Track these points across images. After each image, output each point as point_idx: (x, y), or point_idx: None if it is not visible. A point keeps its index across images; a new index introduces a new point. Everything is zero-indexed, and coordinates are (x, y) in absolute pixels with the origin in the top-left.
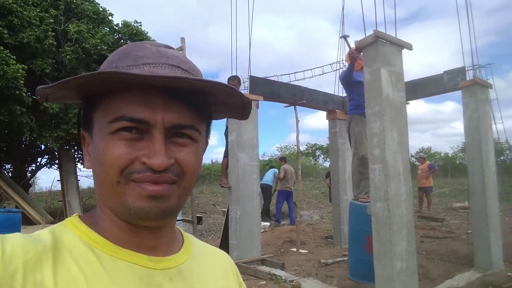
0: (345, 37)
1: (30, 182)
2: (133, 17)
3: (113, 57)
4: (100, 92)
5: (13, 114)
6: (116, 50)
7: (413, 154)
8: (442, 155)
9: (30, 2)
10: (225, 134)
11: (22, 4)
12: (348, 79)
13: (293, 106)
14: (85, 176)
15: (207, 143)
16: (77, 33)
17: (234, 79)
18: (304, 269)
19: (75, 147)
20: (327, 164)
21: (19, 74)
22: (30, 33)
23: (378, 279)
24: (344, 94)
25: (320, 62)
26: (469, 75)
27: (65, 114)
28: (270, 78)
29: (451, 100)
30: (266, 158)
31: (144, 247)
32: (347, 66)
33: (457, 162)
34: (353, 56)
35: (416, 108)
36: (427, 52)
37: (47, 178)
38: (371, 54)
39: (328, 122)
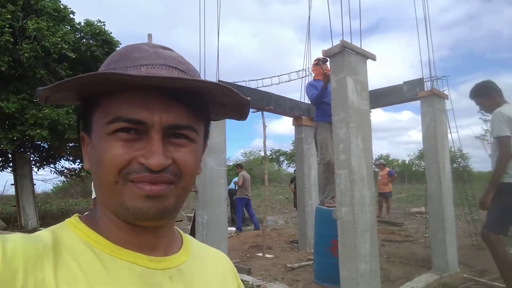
0: (324, 60)
1: None
2: (96, 16)
3: (111, 59)
4: (98, 93)
5: None
6: (114, 52)
7: (373, 161)
8: (399, 162)
9: None
10: None
11: None
12: (319, 100)
13: (260, 112)
14: (41, 180)
15: (205, 143)
16: (36, 31)
17: None
18: (270, 273)
19: (31, 150)
20: (290, 169)
21: None
22: None
23: (343, 281)
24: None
25: (284, 69)
26: (427, 86)
27: (22, 114)
28: (238, 83)
29: (407, 110)
30: (231, 163)
31: (144, 247)
32: (314, 79)
33: (413, 169)
34: (327, 79)
35: (375, 116)
36: (385, 63)
37: None
38: (338, 63)
39: (294, 128)
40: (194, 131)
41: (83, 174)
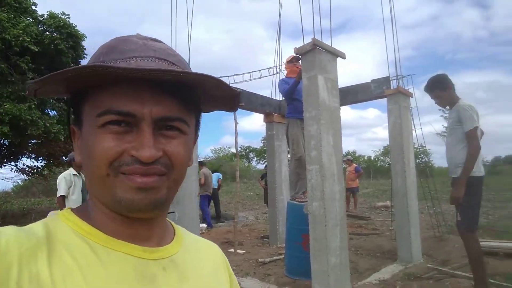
0: (297, 58)
1: None
2: (61, 8)
3: (100, 51)
4: (88, 86)
5: None
6: (103, 44)
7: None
8: (365, 158)
9: None
10: None
11: None
12: (291, 94)
13: None
14: (0, 179)
15: (197, 135)
16: None
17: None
18: (242, 269)
19: None
20: (260, 166)
21: None
22: None
23: (314, 274)
24: (281, 98)
25: (256, 66)
26: (393, 84)
27: None
28: None
29: (373, 107)
30: (201, 160)
31: (137, 238)
32: (286, 76)
33: (379, 164)
34: (300, 75)
35: (343, 113)
36: (352, 62)
37: None
38: (309, 61)
39: (265, 124)
40: (185, 123)
41: (45, 172)
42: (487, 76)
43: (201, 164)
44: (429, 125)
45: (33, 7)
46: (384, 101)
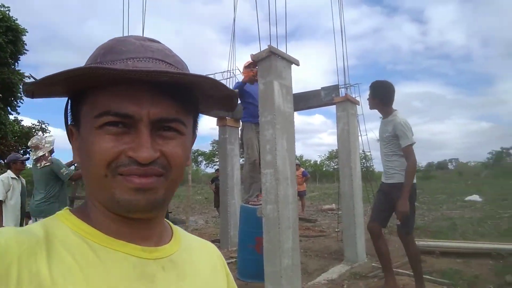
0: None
1: None
2: (1, 1)
3: (97, 52)
4: (86, 87)
5: None
6: (100, 45)
7: None
8: (312, 162)
9: None
10: None
11: None
12: (241, 89)
13: None
14: None
15: (194, 135)
16: None
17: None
18: None
19: None
20: (209, 170)
21: None
22: None
23: (267, 276)
24: None
25: (208, 69)
26: (342, 92)
27: None
28: None
29: (319, 114)
30: None
31: (136, 238)
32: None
33: (324, 169)
34: (252, 79)
35: None
36: (300, 69)
37: None
38: (265, 67)
39: (218, 128)
40: (183, 124)
41: None
42: (423, 87)
43: None
44: (371, 131)
45: None
46: (329, 108)
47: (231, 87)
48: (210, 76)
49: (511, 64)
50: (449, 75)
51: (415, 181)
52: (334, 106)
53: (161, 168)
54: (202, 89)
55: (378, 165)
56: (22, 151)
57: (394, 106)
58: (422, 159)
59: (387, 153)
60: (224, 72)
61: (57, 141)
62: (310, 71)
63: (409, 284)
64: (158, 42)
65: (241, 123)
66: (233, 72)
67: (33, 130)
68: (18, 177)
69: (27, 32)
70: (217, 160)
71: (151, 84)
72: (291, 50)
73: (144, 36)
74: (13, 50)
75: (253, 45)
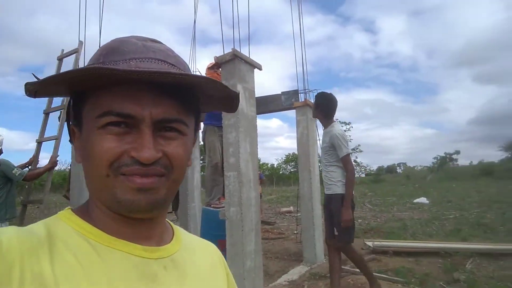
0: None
1: None
2: None
3: (100, 53)
4: (88, 87)
5: None
6: (102, 45)
7: None
8: (269, 165)
9: None
10: None
11: None
12: None
13: None
14: None
15: (196, 135)
16: None
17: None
18: None
19: None
20: None
21: None
22: None
23: None
24: None
25: None
26: (301, 97)
27: None
28: None
29: (276, 118)
30: None
31: (138, 237)
32: None
33: (281, 172)
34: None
35: None
36: (257, 73)
37: None
38: (229, 70)
39: None
40: (184, 124)
41: None
42: (373, 94)
43: None
44: None
45: None
46: (286, 112)
47: None
48: None
49: (454, 75)
50: (396, 83)
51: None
52: (291, 110)
53: (163, 168)
54: (203, 90)
55: None
56: None
57: (340, 114)
58: (372, 163)
59: (325, 164)
60: None
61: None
62: (267, 75)
63: (367, 283)
64: (160, 42)
65: (202, 125)
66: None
67: None
68: None
69: None
70: None
71: (153, 85)
72: (249, 54)
73: (145, 36)
74: None
75: (211, 47)
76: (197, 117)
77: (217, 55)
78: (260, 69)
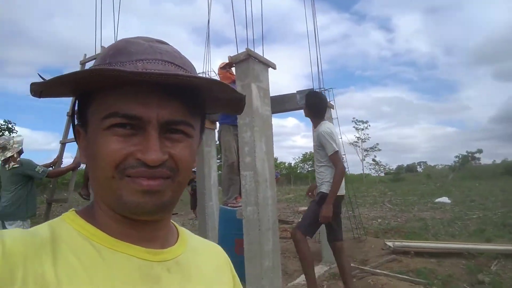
0: (230, 65)
1: None
2: None
3: (106, 53)
4: (94, 88)
5: None
6: (109, 46)
7: None
8: (286, 164)
9: None
10: None
11: None
12: None
13: None
14: None
15: (201, 138)
16: None
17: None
18: None
19: None
20: None
21: None
22: None
23: (248, 277)
24: None
25: None
26: None
27: None
28: None
29: (292, 117)
30: None
31: (141, 240)
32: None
33: (298, 171)
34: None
35: None
36: (273, 72)
37: None
38: (243, 69)
39: None
40: (191, 126)
41: None
42: (391, 92)
43: None
44: (343, 135)
45: None
46: (302, 111)
47: None
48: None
49: (474, 72)
50: (414, 81)
51: (344, 192)
52: None
53: (169, 171)
54: (210, 92)
55: (351, 168)
56: None
57: (357, 113)
58: (392, 162)
59: (316, 164)
60: (199, 74)
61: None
62: (282, 74)
63: (388, 283)
64: (167, 44)
65: (218, 125)
66: (208, 74)
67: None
68: None
69: None
70: None
71: (159, 86)
72: (263, 53)
73: (152, 37)
74: None
75: (225, 48)
76: (203, 119)
77: (231, 55)
78: (274, 68)
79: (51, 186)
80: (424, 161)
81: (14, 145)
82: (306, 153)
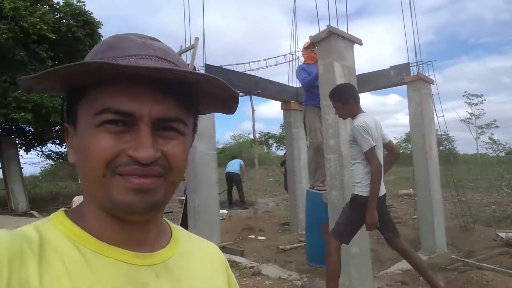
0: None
1: None
2: None
3: (98, 48)
4: (85, 84)
5: None
6: (100, 41)
7: None
8: None
9: None
10: None
11: None
12: (310, 87)
13: (248, 96)
14: (28, 164)
15: (193, 136)
16: (13, 10)
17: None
18: (263, 255)
19: (16, 133)
20: (280, 152)
21: None
22: None
23: None
24: (298, 85)
25: (272, 52)
26: (413, 71)
27: (4, 97)
28: (225, 67)
29: (394, 93)
30: (220, 147)
31: (130, 242)
32: (304, 63)
33: (401, 151)
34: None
35: (363, 100)
36: (373, 47)
37: None
38: (325, 48)
39: (283, 112)
40: (184, 123)
41: None
42: (511, 61)
43: None
44: (453, 111)
45: None
46: (405, 87)
47: (293, 70)
48: (272, 59)
49: None
50: None
51: (385, 191)
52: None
53: (162, 169)
54: (204, 89)
55: (462, 147)
56: None
57: (471, 86)
58: None
59: (350, 161)
60: (286, 55)
61: None
62: (383, 49)
63: (494, 280)
64: (159, 41)
65: (304, 106)
66: (295, 54)
67: None
68: None
69: (102, 24)
70: None
71: (153, 82)
72: (360, 28)
73: (145, 34)
74: (90, 42)
75: (321, 25)
76: (196, 117)
77: (312, 35)
78: (360, 44)
79: None
80: None
81: None
82: (410, 131)
